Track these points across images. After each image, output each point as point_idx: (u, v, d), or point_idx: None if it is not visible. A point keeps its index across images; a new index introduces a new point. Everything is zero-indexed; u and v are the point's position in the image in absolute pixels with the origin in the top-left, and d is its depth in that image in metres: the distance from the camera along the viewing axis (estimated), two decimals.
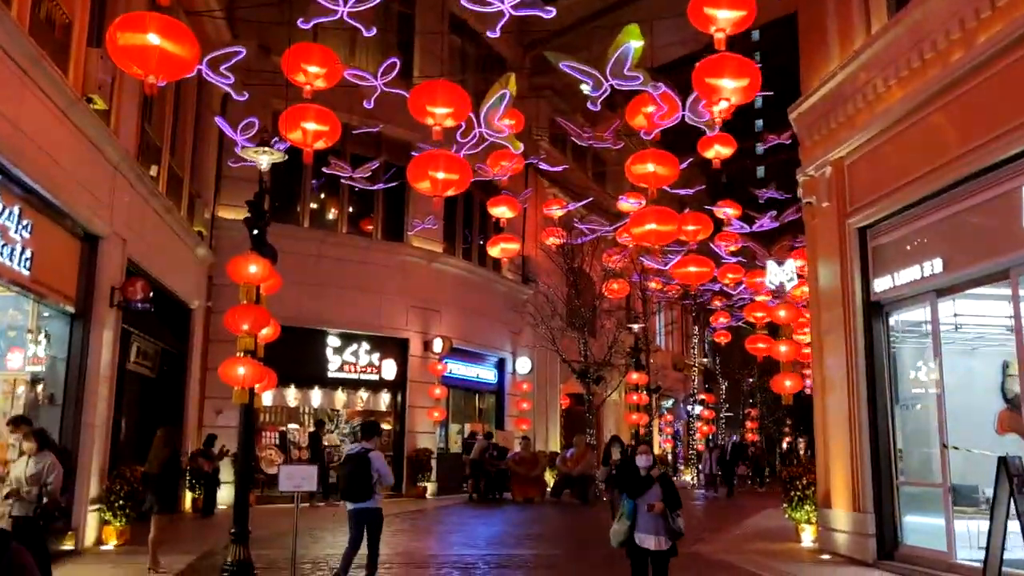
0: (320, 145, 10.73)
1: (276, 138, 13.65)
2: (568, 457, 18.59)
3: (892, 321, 10.61)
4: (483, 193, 22.48)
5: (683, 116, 11.99)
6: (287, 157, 10.34)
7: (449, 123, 10.98)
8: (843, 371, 10.89)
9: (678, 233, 14.84)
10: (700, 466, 29.47)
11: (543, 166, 18.78)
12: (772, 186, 20.28)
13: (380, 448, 9.18)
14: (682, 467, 33.34)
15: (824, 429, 11.36)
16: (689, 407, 36.02)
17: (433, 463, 19.27)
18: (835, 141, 11.24)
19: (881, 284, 10.43)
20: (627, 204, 18.48)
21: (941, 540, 9.13)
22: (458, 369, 21.05)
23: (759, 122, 58.89)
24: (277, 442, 18.39)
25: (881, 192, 10.25)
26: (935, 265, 9.36)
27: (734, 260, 20.96)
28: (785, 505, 12.07)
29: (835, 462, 11.06)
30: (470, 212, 22.16)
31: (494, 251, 16.70)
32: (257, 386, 9.07)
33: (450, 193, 11.18)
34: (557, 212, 19.68)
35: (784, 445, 38.89)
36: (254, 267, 8.70)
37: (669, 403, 34.89)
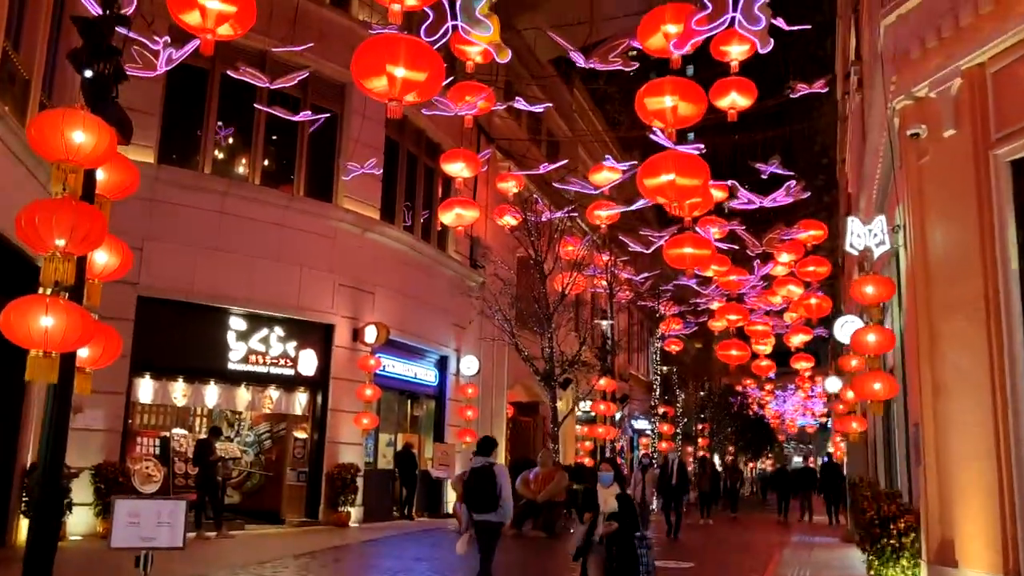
0: (226, 33, 7.16)
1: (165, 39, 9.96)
2: (531, 479, 14.82)
3: None
4: (428, 154, 18.72)
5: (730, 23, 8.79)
6: None
7: (412, 1, 7.53)
8: (982, 368, 7.54)
9: (703, 191, 11.48)
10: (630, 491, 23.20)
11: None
12: (776, 160, 17.14)
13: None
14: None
15: (938, 451, 7.96)
16: (633, 421, 32.79)
17: (359, 482, 15.29)
18: (970, 42, 7.91)
19: None
20: (603, 176, 15.12)
21: None
22: (393, 366, 17.14)
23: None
24: (157, 451, 14.16)
25: None
26: None
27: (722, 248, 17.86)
28: (872, 558, 8.64)
29: (964, 500, 7.67)
30: (412, 176, 18.31)
31: (447, 217, 12.97)
32: (85, 353, 5.14)
33: (411, 99, 7.77)
34: (513, 188, 16.13)
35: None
36: (81, 133, 4.75)
37: (617, 416, 31.52)
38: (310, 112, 12.19)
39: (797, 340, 23.90)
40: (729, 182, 14.92)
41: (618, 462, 27.09)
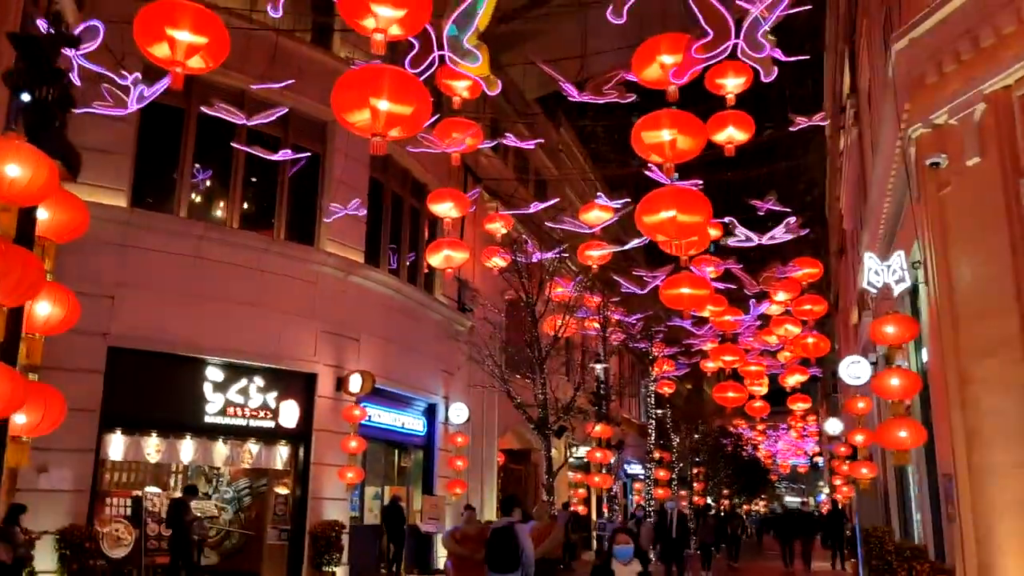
0: (197, 66, 6.80)
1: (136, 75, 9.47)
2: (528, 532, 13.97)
3: None
4: (414, 195, 18.16)
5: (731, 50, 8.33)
6: None
7: (396, 30, 7.03)
8: (1022, 412, 6.95)
9: (704, 228, 11.00)
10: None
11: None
12: (772, 197, 16.69)
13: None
14: None
15: (975, 503, 7.32)
16: (627, 466, 31.95)
17: (344, 540, 14.44)
18: (993, 64, 7.45)
19: None
20: (595, 215, 14.62)
21: None
22: (379, 416, 16.37)
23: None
24: (129, 512, 13.29)
25: None
26: None
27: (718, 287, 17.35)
28: None
29: (1006, 557, 7.02)
30: (398, 217, 17.71)
31: (435, 259, 12.40)
32: (22, 419, 4.43)
33: (395, 135, 7.22)
34: (501, 229, 15.62)
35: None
36: (15, 166, 4.09)
37: (612, 461, 30.69)
38: (290, 151, 11.62)
39: (793, 380, 23.38)
40: (726, 219, 14.46)
41: (605, 509, 25.94)
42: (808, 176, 31.75)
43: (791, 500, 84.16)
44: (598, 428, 17.39)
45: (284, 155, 11.41)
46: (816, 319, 20.46)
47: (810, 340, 19.83)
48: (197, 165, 14.17)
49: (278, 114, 10.17)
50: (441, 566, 16.93)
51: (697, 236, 10.34)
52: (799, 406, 26.65)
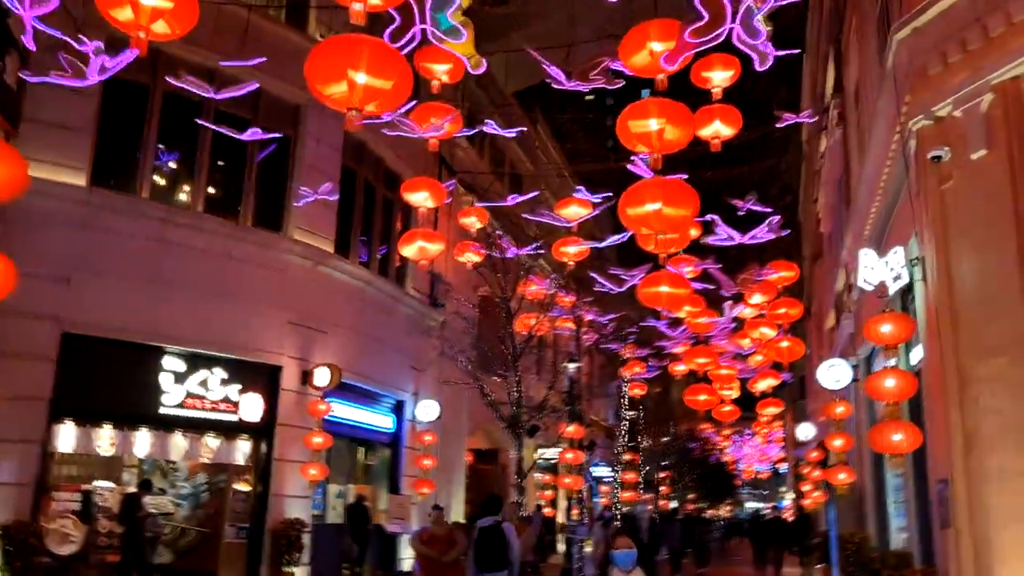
0: (162, 31, 6.29)
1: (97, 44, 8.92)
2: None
3: None
4: (387, 185, 17.65)
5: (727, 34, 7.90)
6: None
7: (376, 0, 6.57)
8: None
9: (690, 223, 10.63)
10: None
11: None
12: (753, 196, 16.42)
13: None
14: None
15: (972, 510, 7.01)
16: (593, 468, 31.61)
17: (306, 539, 13.89)
18: (1002, 54, 7.18)
19: None
20: (572, 210, 14.23)
21: None
22: (345, 412, 15.82)
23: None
24: (79, 507, 12.60)
25: None
26: None
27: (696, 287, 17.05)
28: None
29: (1006, 567, 6.72)
30: (370, 207, 17.19)
31: (409, 250, 11.84)
32: None
33: (371, 110, 6.75)
34: (476, 224, 15.16)
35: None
36: None
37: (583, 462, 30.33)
38: (260, 131, 11.03)
39: (764, 385, 23.18)
40: (709, 216, 14.16)
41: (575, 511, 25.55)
42: (781, 181, 31.75)
43: (751, 506, 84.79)
44: (571, 428, 16.99)
45: (253, 134, 10.78)
46: (791, 323, 20.29)
47: (784, 344, 19.64)
48: (162, 146, 13.54)
49: (248, 89, 9.57)
50: (407, 568, 16.43)
51: (682, 231, 9.99)
52: (769, 411, 26.41)
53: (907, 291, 8.89)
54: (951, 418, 7.33)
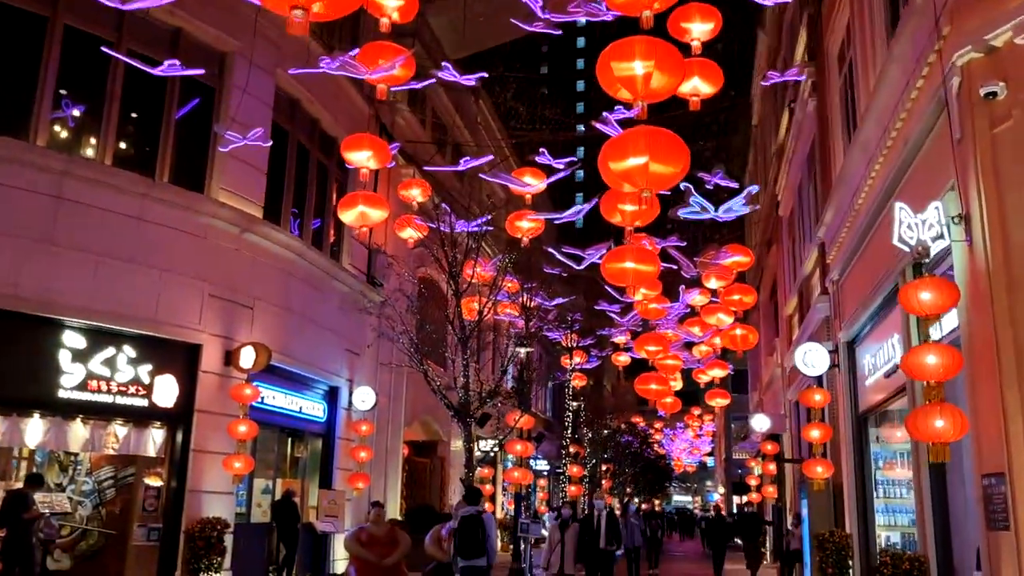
0: None
1: None
2: (444, 536, 12.07)
3: None
4: (323, 149, 16.06)
5: None
6: None
7: None
8: None
9: (677, 181, 9.29)
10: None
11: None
12: (720, 169, 15.36)
13: None
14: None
15: (989, 515, 5.93)
16: (532, 461, 30.40)
17: (227, 541, 12.26)
18: None
19: None
20: (527, 185, 12.94)
21: None
22: (274, 397, 14.19)
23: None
24: None
25: None
26: None
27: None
28: None
29: None
30: (303, 172, 15.54)
31: (349, 215, 10.43)
32: None
33: (318, 11, 5.56)
34: (418, 197, 13.79)
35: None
36: None
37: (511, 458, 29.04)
38: (178, 64, 9.35)
39: (711, 375, 22.33)
40: (682, 185, 13.03)
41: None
42: (728, 167, 31.03)
43: (679, 499, 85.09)
44: (522, 419, 15.69)
45: (170, 67, 9.14)
46: (745, 310, 19.42)
47: (739, 332, 18.73)
48: (64, 91, 11.71)
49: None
50: (340, 570, 14.91)
51: (677, 182, 8.72)
52: (717, 402, 25.69)
53: (916, 265, 7.75)
54: (1007, 401, 6.25)
